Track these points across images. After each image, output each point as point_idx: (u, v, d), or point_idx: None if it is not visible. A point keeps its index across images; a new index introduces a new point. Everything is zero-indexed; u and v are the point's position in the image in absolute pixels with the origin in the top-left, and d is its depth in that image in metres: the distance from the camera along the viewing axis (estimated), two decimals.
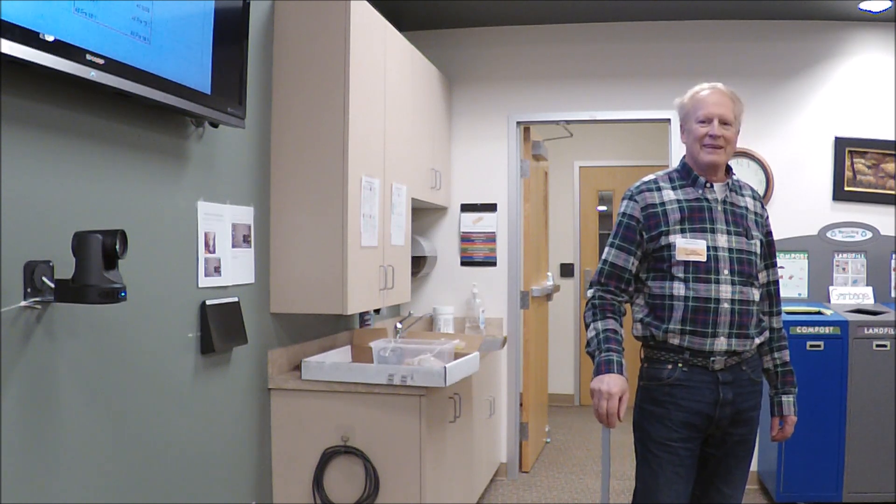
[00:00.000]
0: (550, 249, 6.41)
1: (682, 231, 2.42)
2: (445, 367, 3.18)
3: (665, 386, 2.44)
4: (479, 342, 4.07)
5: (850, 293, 4.63)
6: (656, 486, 2.44)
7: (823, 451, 4.21)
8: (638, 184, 2.55)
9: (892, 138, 4.67)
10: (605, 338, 2.43)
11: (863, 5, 4.42)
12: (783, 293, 4.40)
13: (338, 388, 3.24)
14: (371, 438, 3.21)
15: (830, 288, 4.67)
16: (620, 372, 2.38)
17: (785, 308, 4.37)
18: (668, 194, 2.48)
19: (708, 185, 2.47)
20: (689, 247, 2.41)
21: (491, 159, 5.05)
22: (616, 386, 2.34)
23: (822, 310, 4.41)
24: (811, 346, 4.20)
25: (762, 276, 2.55)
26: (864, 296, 4.60)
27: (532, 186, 5.31)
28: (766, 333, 2.54)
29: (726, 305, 2.39)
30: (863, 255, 4.68)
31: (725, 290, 2.39)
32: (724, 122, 2.44)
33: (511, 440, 5.03)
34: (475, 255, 5.07)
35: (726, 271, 2.40)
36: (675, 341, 2.41)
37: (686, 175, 2.51)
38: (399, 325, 4.09)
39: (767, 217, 2.61)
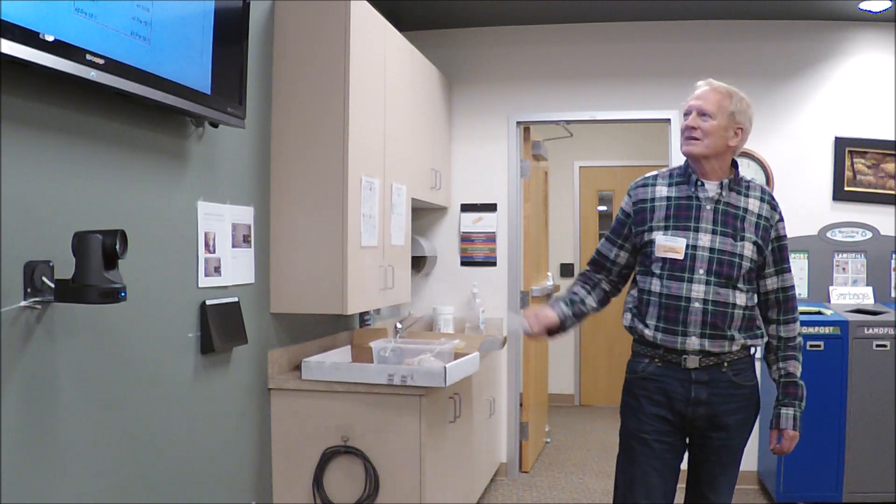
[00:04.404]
0: (550, 249, 6.41)
1: (665, 228, 2.45)
2: (445, 367, 3.18)
3: (639, 379, 2.49)
4: (479, 342, 4.07)
5: (850, 293, 4.62)
6: (632, 476, 2.47)
7: (823, 451, 4.21)
8: (639, 178, 2.60)
9: (892, 138, 4.66)
10: (565, 294, 2.65)
11: (863, 5, 4.42)
12: None
13: (338, 388, 3.24)
14: (371, 438, 3.21)
15: (830, 288, 4.67)
16: (555, 309, 2.57)
17: None
18: (661, 191, 2.51)
19: (699, 182, 2.47)
20: (667, 244, 2.43)
21: (491, 159, 5.05)
22: (544, 309, 2.57)
23: (822, 310, 4.41)
24: (811, 346, 4.19)
25: (769, 283, 2.48)
26: (864, 296, 4.60)
27: (532, 186, 5.30)
28: (764, 339, 2.48)
29: (697, 305, 2.38)
30: (863, 255, 4.68)
31: (697, 290, 2.38)
32: (702, 114, 2.44)
33: (511, 440, 5.03)
34: (475, 255, 5.07)
35: (702, 271, 2.39)
36: (650, 336, 2.44)
37: (684, 172, 2.53)
38: (399, 325, 4.08)
39: (780, 221, 2.52)
